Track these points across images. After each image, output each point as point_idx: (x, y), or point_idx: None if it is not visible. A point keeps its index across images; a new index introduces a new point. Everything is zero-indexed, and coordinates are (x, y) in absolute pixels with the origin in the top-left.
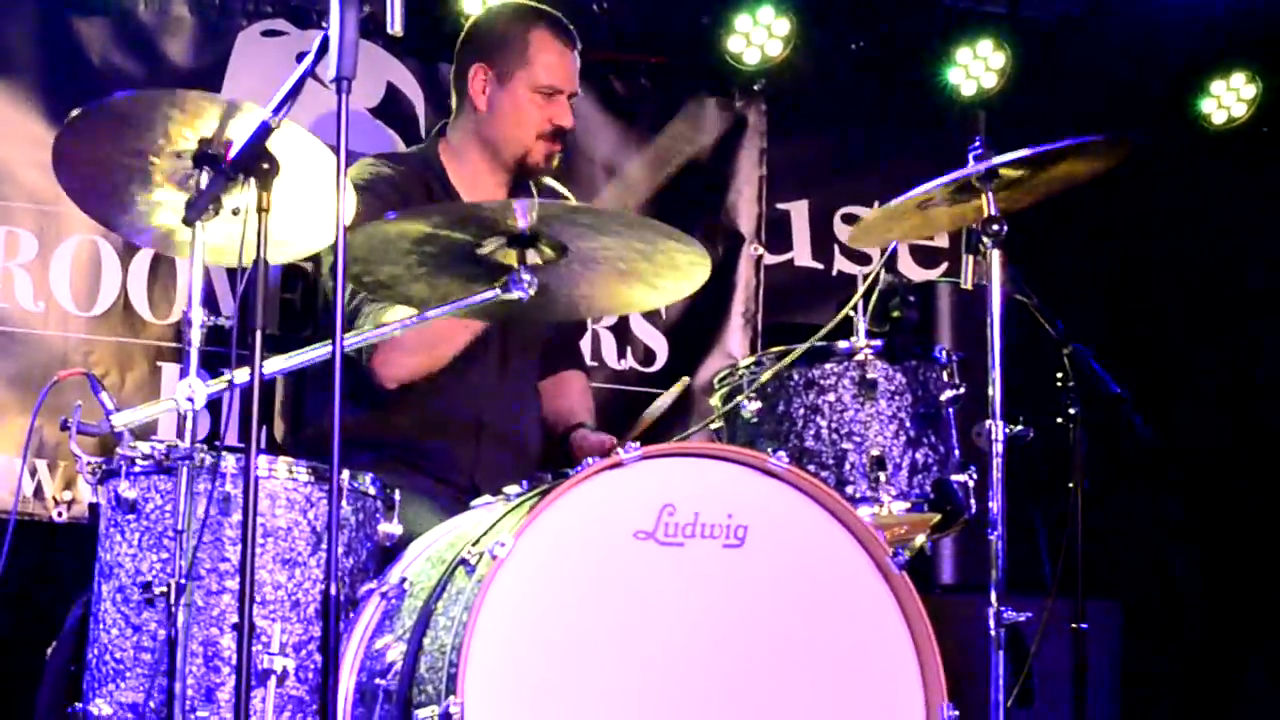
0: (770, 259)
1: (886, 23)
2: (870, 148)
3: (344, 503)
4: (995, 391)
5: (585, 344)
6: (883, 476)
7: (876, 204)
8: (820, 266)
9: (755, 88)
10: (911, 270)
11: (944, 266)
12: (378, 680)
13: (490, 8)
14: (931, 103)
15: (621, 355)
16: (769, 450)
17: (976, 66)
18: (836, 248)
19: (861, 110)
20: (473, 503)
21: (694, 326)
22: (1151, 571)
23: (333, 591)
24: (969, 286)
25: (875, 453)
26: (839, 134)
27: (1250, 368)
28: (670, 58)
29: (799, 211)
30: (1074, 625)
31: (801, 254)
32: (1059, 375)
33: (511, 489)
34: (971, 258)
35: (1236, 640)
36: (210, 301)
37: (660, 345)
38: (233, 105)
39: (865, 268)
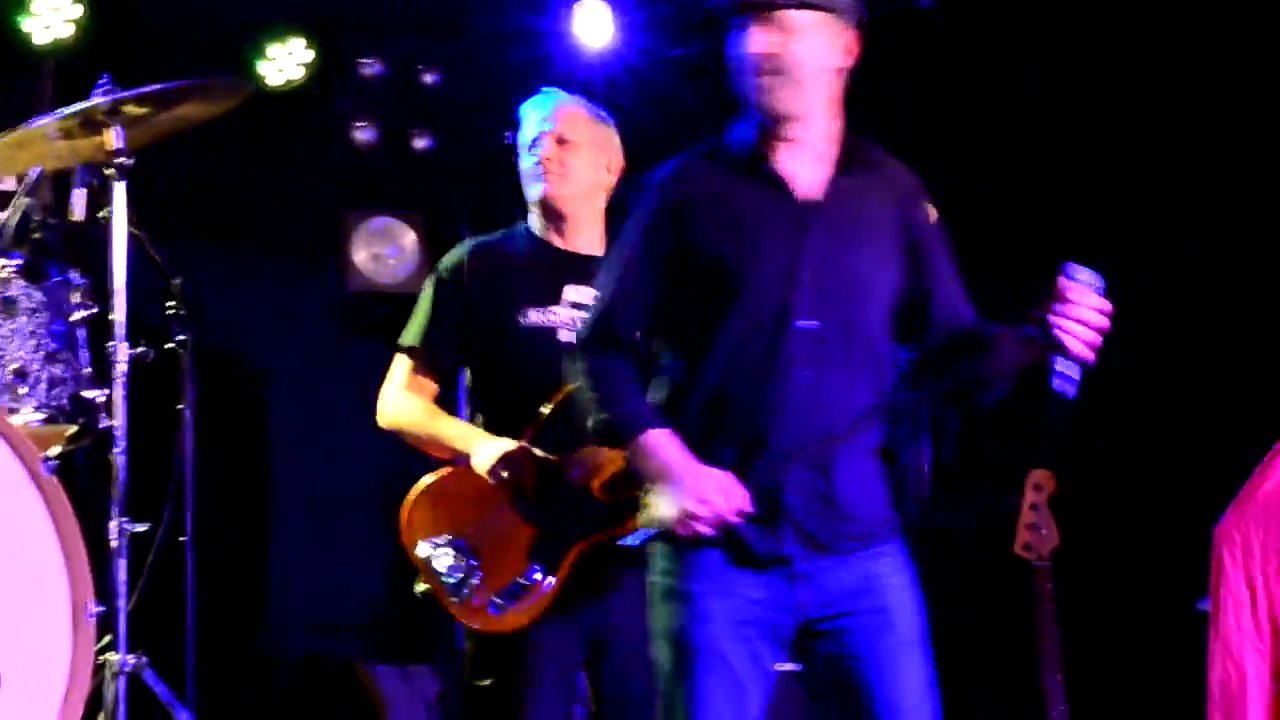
0: None
1: None
2: None
3: None
4: (120, 316)
5: None
6: (23, 389)
7: None
8: None
9: None
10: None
11: None
12: None
13: None
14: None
15: None
16: None
17: (52, 16)
18: None
19: None
20: None
21: None
22: None
23: None
24: (80, 218)
25: (15, 366)
26: None
27: None
28: None
29: None
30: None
31: None
32: (170, 304)
33: None
34: (85, 190)
35: None
36: None
37: None
38: None
39: None
